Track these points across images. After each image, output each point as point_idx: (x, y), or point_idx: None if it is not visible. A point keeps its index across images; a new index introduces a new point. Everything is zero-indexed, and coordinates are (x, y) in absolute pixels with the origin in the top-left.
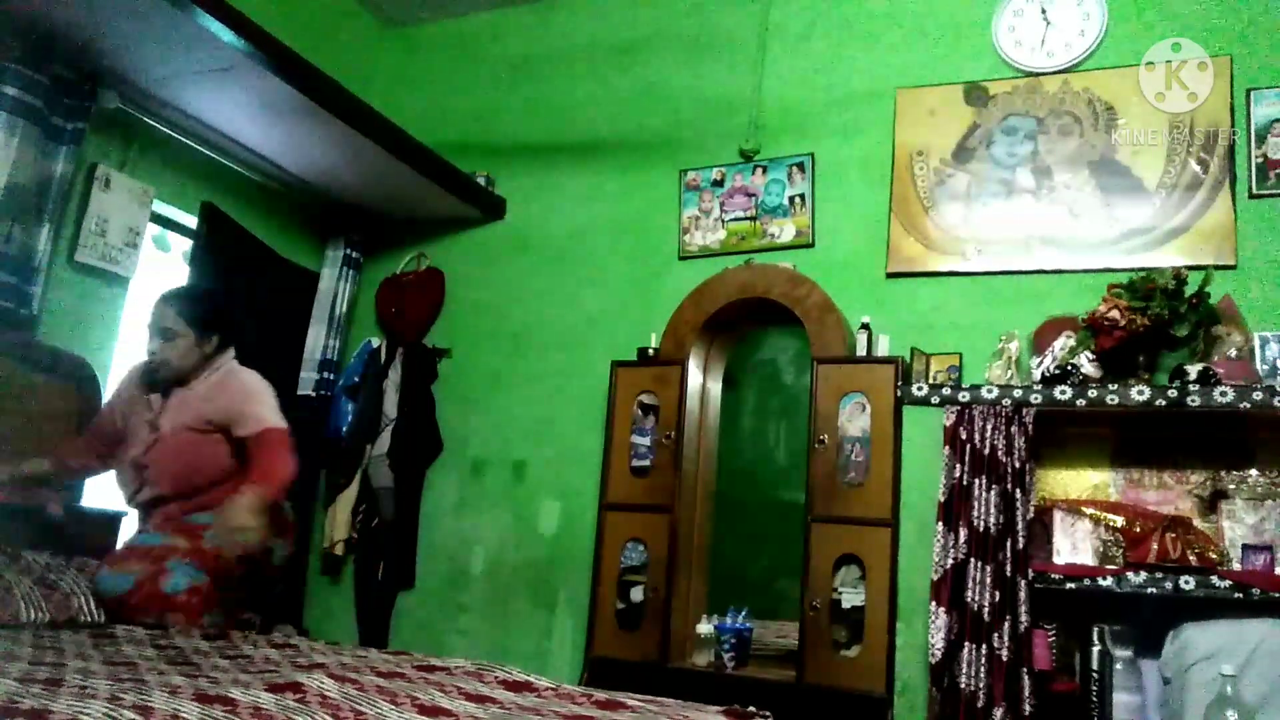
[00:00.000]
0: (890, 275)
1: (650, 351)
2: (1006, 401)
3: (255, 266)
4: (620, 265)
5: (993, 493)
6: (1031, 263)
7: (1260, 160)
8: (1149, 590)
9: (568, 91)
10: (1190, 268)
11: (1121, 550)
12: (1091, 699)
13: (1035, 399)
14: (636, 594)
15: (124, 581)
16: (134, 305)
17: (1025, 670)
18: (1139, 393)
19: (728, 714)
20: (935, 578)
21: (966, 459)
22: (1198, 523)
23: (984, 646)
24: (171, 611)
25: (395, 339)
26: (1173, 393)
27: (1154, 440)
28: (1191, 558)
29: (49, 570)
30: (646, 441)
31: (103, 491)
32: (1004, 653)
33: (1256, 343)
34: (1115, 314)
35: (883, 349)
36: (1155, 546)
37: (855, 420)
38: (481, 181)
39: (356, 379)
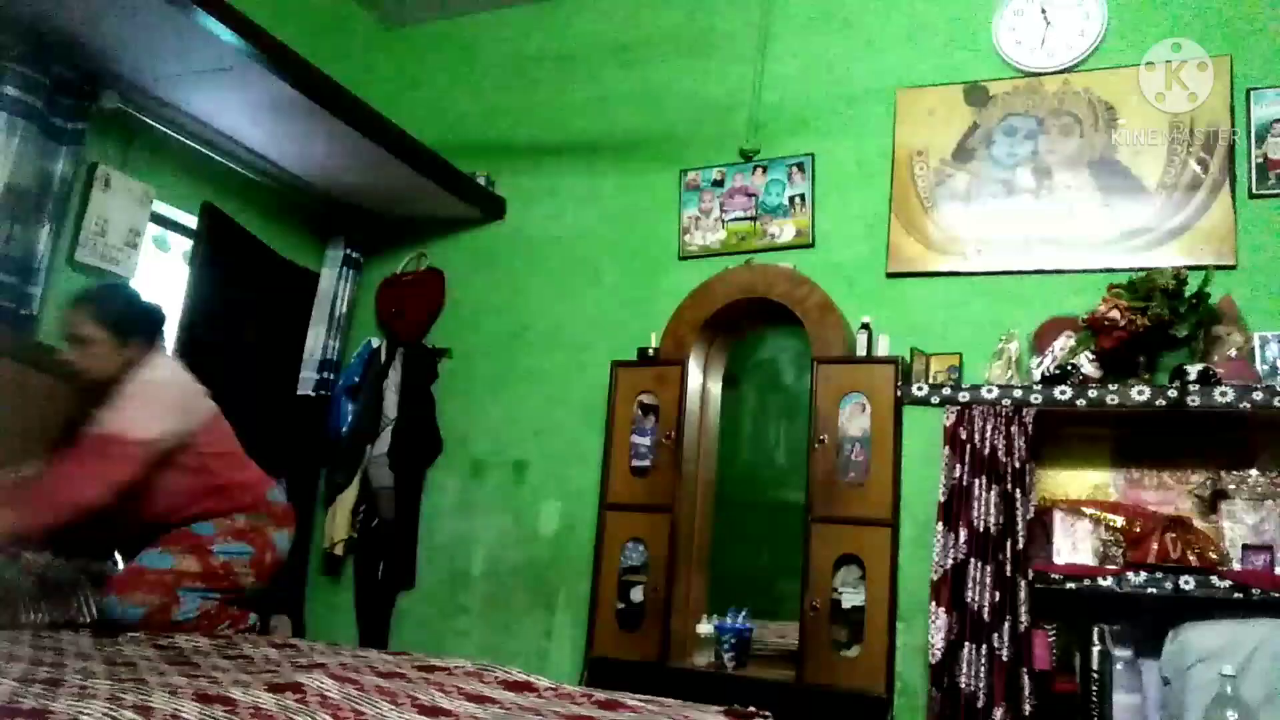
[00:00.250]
0: (890, 275)
1: (650, 351)
2: (1006, 401)
3: (255, 267)
4: (620, 265)
5: (993, 493)
6: (1031, 263)
7: (1260, 160)
8: (1149, 590)
9: (568, 92)
10: (1190, 268)
11: (1121, 550)
12: (1091, 699)
13: (1035, 399)
14: (636, 594)
15: (133, 612)
16: None
17: (1025, 670)
18: (1139, 393)
19: (728, 714)
20: (935, 578)
21: (966, 459)
22: (1198, 523)
23: (984, 647)
24: (183, 634)
25: (395, 339)
26: (1173, 393)
27: (1154, 440)
28: (1191, 558)
29: (49, 570)
30: (647, 441)
31: None
32: (1004, 653)
33: (1256, 343)
34: (1115, 314)
35: (883, 349)
36: (1155, 547)
37: (855, 420)
38: (481, 181)
39: (356, 379)
